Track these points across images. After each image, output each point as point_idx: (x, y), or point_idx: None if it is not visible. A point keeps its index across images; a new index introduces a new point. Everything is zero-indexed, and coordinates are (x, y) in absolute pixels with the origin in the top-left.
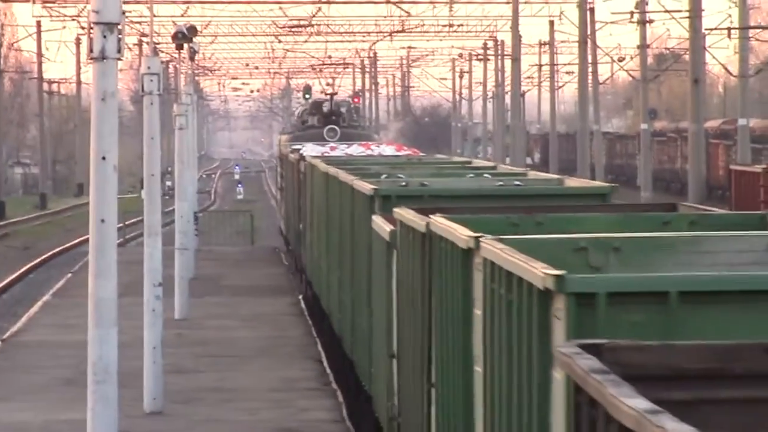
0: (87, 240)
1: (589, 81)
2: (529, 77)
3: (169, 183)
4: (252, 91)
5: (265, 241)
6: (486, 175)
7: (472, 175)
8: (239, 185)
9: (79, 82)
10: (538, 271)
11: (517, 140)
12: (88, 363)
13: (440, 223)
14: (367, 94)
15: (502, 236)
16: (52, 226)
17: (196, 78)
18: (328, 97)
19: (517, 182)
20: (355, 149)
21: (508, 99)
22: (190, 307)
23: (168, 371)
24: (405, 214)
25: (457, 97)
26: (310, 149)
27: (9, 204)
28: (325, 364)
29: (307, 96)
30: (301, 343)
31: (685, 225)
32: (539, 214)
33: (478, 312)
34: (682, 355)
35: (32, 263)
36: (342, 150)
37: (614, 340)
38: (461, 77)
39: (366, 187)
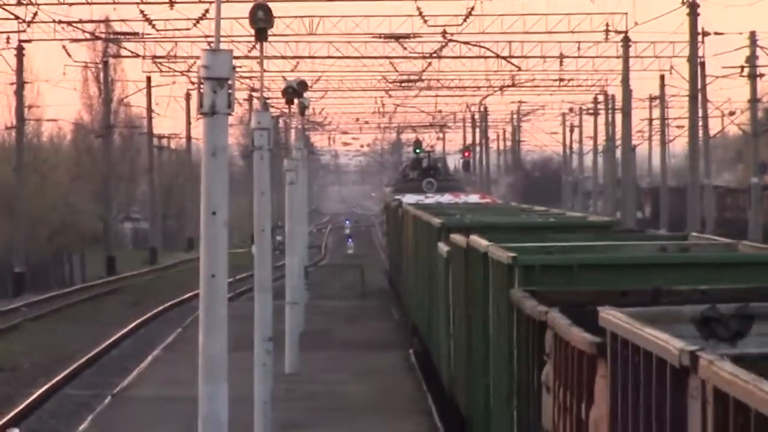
0: (197, 295)
1: (700, 135)
2: (639, 131)
3: (279, 238)
4: (362, 146)
5: (375, 296)
6: (536, 216)
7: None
8: (349, 239)
9: (189, 137)
10: (504, 256)
11: (628, 194)
12: (199, 419)
13: (465, 239)
14: (478, 148)
15: (508, 244)
16: (162, 280)
17: (306, 132)
18: (427, 154)
19: (552, 219)
20: (446, 198)
21: (618, 153)
22: (301, 362)
23: (279, 426)
24: (456, 238)
25: (568, 151)
26: (409, 198)
27: (119, 259)
28: (436, 417)
29: (417, 150)
30: (412, 398)
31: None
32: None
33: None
34: (578, 295)
35: (142, 318)
36: (434, 199)
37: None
38: (572, 131)
39: (435, 222)
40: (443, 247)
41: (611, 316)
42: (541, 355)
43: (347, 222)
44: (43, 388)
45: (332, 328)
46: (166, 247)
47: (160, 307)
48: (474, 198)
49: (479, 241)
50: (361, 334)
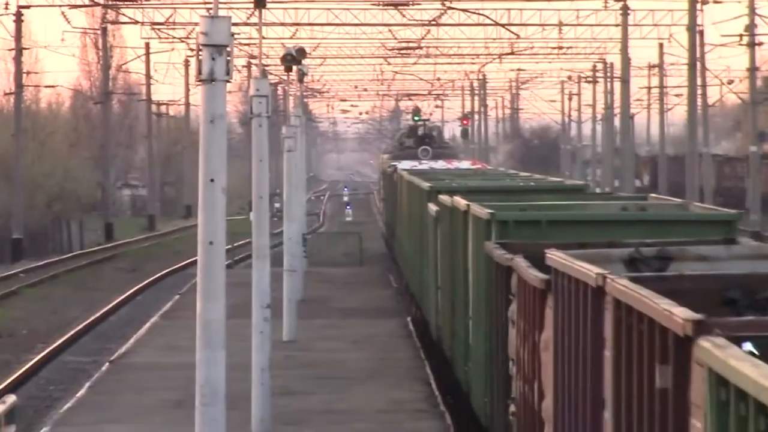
0: (195, 262)
1: (698, 103)
2: (638, 99)
3: (277, 205)
4: (361, 113)
5: (374, 263)
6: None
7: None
8: (348, 207)
9: (187, 104)
10: (483, 213)
11: (626, 162)
12: (196, 385)
13: (451, 200)
14: (476, 116)
15: (488, 203)
16: (160, 247)
17: (305, 100)
18: (423, 123)
19: (532, 183)
20: (440, 164)
21: (617, 121)
22: (299, 329)
23: (276, 393)
24: (444, 199)
25: (566, 119)
26: (404, 164)
27: (117, 226)
28: (434, 385)
29: (416, 118)
30: (410, 365)
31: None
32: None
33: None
34: (541, 247)
35: (140, 285)
36: (428, 165)
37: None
38: (570, 99)
39: (425, 185)
40: (432, 208)
41: (554, 255)
42: (508, 295)
43: (346, 189)
44: (41, 355)
45: (330, 296)
46: (164, 214)
47: (158, 274)
48: (466, 164)
49: (462, 201)
50: (359, 301)
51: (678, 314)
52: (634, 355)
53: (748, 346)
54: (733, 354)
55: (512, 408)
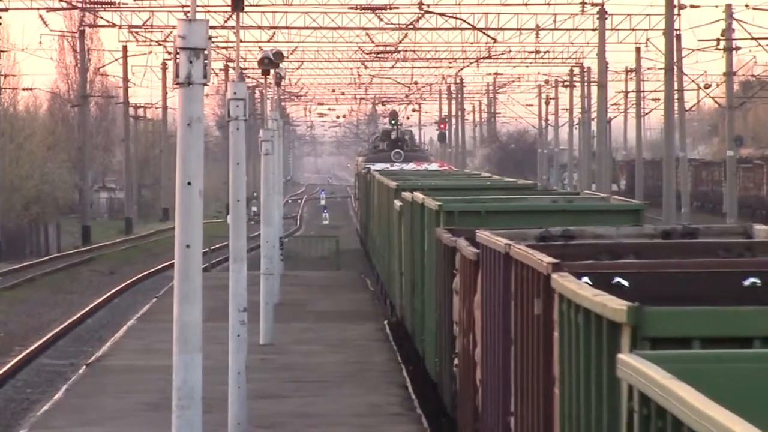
0: (172, 265)
1: (675, 108)
2: (615, 104)
3: (254, 208)
4: (338, 117)
5: (351, 267)
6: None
7: (467, 179)
8: (325, 211)
9: (165, 107)
10: (434, 204)
11: (603, 167)
12: (173, 388)
13: (412, 195)
14: (454, 120)
15: (440, 197)
16: (137, 250)
17: (282, 103)
18: (396, 127)
19: (488, 182)
20: (410, 166)
21: (594, 125)
22: (275, 333)
23: (253, 396)
24: (406, 195)
25: (543, 123)
26: (378, 166)
27: (94, 228)
28: (410, 389)
29: (393, 122)
30: (386, 369)
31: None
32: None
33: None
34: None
35: (117, 288)
36: (399, 167)
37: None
38: (547, 103)
39: (392, 184)
40: (397, 203)
41: (482, 234)
42: (453, 270)
43: (323, 193)
44: (18, 357)
45: (307, 299)
46: (142, 216)
47: (136, 277)
48: (434, 166)
49: (420, 196)
50: (336, 304)
51: (544, 260)
52: (526, 297)
53: (585, 279)
54: (571, 281)
55: (456, 361)
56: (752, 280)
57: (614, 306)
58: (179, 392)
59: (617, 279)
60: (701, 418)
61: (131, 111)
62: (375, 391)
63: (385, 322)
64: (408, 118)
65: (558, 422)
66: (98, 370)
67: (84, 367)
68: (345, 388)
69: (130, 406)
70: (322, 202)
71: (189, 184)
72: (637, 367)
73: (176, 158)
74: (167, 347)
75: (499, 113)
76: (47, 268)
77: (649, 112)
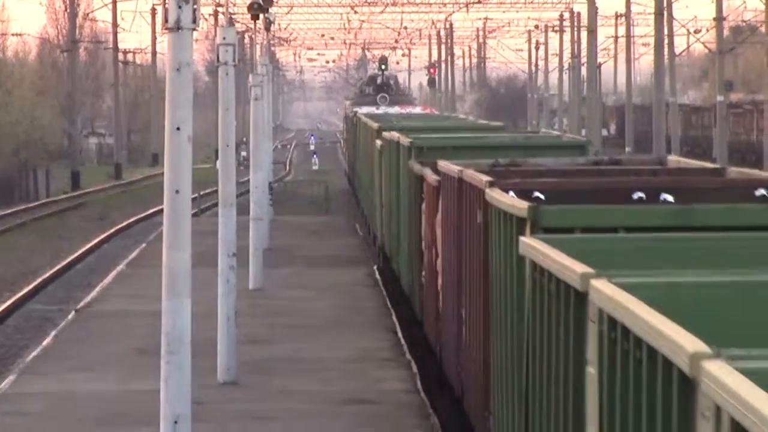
0: (161, 210)
1: (665, 53)
2: (605, 49)
3: (244, 153)
4: (327, 62)
5: (340, 212)
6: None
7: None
8: (314, 156)
9: (154, 53)
10: (407, 141)
11: (593, 112)
12: (162, 333)
13: (390, 134)
14: (443, 66)
15: (414, 135)
16: (126, 196)
17: (272, 48)
18: (381, 72)
19: (462, 124)
20: (395, 110)
21: (584, 71)
22: (265, 278)
23: (242, 342)
24: (386, 134)
25: (533, 68)
26: (364, 110)
27: (84, 174)
28: (400, 334)
29: (383, 67)
30: (376, 314)
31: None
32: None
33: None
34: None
35: (107, 233)
36: (384, 110)
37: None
38: (537, 49)
39: (375, 125)
40: (378, 143)
41: (442, 164)
42: (421, 195)
43: (312, 138)
44: (7, 303)
45: (296, 244)
46: (131, 162)
47: (125, 223)
48: (418, 110)
49: (396, 135)
50: (325, 250)
51: (481, 178)
52: (472, 210)
53: (512, 193)
54: (499, 194)
55: (423, 273)
56: (638, 194)
57: (520, 206)
58: (168, 337)
59: (536, 193)
60: (562, 267)
61: (121, 56)
62: (364, 336)
63: (375, 267)
64: (398, 62)
65: (492, 307)
66: (87, 315)
67: (73, 312)
68: (335, 333)
69: (119, 352)
70: (312, 147)
71: (178, 129)
72: (534, 246)
73: (165, 104)
74: (156, 293)
75: (489, 58)
76: (36, 213)
77: (640, 57)
